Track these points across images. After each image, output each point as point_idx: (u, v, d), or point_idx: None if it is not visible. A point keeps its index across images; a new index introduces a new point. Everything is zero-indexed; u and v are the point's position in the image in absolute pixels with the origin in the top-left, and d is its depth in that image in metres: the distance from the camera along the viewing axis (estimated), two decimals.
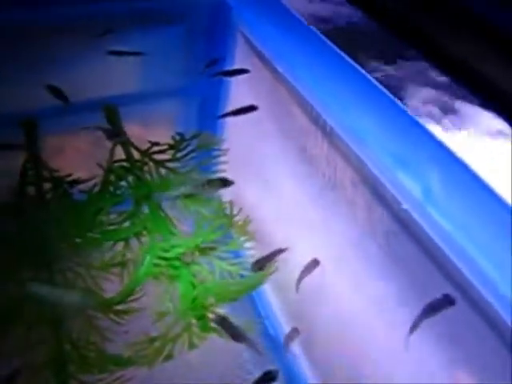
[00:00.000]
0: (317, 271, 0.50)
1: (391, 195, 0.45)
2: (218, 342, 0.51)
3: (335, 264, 0.50)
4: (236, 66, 0.63)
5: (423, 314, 0.39)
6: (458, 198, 0.41)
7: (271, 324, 0.64)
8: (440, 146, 0.43)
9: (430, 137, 0.43)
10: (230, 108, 0.62)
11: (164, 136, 0.66)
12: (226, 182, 0.52)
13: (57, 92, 0.57)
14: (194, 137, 0.58)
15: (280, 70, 0.57)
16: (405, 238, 0.45)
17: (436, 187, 0.41)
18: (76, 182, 0.56)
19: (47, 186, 0.58)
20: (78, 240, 0.53)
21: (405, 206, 0.44)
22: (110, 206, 0.54)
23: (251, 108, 0.58)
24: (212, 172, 0.59)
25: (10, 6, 0.58)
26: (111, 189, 0.55)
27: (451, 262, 0.40)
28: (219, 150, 0.59)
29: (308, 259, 0.51)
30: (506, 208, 0.39)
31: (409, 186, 0.42)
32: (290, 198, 0.57)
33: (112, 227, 0.54)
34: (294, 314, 0.60)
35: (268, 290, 0.63)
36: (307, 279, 0.52)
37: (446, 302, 0.39)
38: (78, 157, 0.70)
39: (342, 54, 0.54)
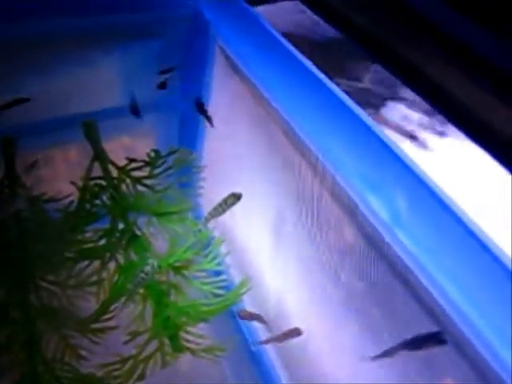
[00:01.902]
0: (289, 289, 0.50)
1: (362, 216, 0.45)
2: None
3: (304, 279, 0.50)
4: (214, 83, 0.63)
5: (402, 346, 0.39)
6: (424, 221, 0.41)
7: (251, 337, 0.64)
8: (408, 168, 0.43)
9: (399, 159, 0.43)
10: None
11: (143, 153, 0.66)
12: (238, 196, 0.52)
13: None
14: (170, 153, 0.58)
15: (259, 87, 0.57)
16: (374, 259, 0.45)
17: (403, 210, 0.41)
18: (52, 199, 0.56)
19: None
20: (53, 259, 0.53)
21: (376, 227, 0.44)
22: (85, 224, 0.54)
23: None
24: (190, 188, 0.59)
25: None
26: (87, 207, 0.55)
27: (421, 285, 0.41)
28: (196, 166, 0.59)
29: (279, 276, 0.51)
30: (470, 232, 0.39)
31: (377, 208, 0.42)
32: (263, 213, 0.57)
33: (88, 245, 0.54)
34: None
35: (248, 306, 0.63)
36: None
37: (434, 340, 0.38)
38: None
39: (319, 71, 0.54)
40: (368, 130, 0.46)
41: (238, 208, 0.57)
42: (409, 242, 0.41)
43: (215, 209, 0.48)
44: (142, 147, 0.70)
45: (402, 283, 0.43)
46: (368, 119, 0.48)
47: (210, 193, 0.61)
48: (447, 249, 0.40)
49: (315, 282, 0.50)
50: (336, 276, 0.47)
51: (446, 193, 0.42)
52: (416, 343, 0.38)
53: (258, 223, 0.58)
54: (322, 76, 0.54)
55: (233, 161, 0.64)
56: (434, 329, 0.40)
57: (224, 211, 0.49)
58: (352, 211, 0.45)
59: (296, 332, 0.51)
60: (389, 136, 0.46)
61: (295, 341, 0.51)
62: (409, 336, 0.42)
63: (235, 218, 0.56)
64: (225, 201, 0.49)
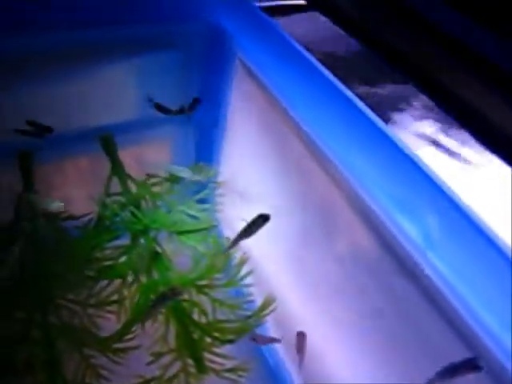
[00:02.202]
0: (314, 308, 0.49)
1: (392, 237, 0.44)
2: None
3: (328, 300, 0.49)
4: (235, 94, 0.62)
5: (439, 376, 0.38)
6: (456, 243, 0.40)
7: (272, 356, 0.63)
8: (440, 189, 0.42)
9: (431, 179, 0.42)
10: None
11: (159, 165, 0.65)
12: (266, 217, 0.50)
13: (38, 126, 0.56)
14: (190, 169, 0.57)
15: (279, 99, 0.56)
16: (404, 280, 0.44)
17: (435, 232, 0.40)
18: (71, 217, 0.55)
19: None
20: (73, 277, 0.52)
21: (407, 248, 0.43)
22: (105, 242, 0.53)
23: None
24: (208, 204, 0.58)
25: None
26: (107, 224, 0.55)
27: (454, 309, 0.40)
28: (215, 182, 0.58)
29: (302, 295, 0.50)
30: (505, 257, 0.38)
31: (408, 230, 0.41)
32: (285, 236, 0.56)
33: (108, 263, 0.53)
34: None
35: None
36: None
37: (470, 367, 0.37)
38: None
39: (342, 85, 0.53)
40: (395, 146, 0.45)
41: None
42: (441, 265, 0.41)
43: (244, 231, 0.47)
44: (155, 159, 0.69)
45: (432, 306, 0.42)
46: (394, 134, 0.47)
47: (228, 208, 0.60)
48: (480, 271, 0.39)
49: (340, 303, 0.49)
50: (363, 298, 0.46)
51: (479, 213, 0.42)
52: (452, 371, 0.37)
53: (279, 240, 0.57)
54: (346, 90, 0.53)
55: (251, 174, 0.63)
56: (466, 353, 0.39)
57: (252, 233, 0.48)
58: (381, 232, 0.45)
59: (302, 337, 0.49)
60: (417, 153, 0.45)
61: (318, 365, 0.50)
62: (439, 359, 0.42)
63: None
64: (253, 222, 0.48)
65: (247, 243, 0.55)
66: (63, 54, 0.59)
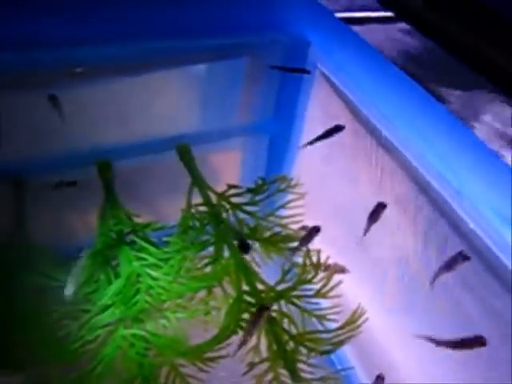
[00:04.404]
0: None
1: (490, 251, 0.44)
2: None
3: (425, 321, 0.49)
4: (312, 105, 0.63)
5: None
6: None
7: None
8: None
9: None
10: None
11: (233, 175, 0.66)
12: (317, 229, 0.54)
13: None
14: (274, 181, 0.58)
15: (361, 110, 0.56)
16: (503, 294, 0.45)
17: None
18: (162, 227, 0.56)
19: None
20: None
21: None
22: (195, 252, 0.53)
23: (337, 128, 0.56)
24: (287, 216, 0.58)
25: None
26: (192, 234, 0.55)
27: None
28: (296, 193, 0.58)
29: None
30: None
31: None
32: (378, 250, 0.56)
33: (195, 274, 0.54)
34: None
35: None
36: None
37: None
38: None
39: (428, 93, 0.52)
40: (495, 159, 0.45)
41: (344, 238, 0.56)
42: None
43: None
44: (225, 169, 0.69)
45: None
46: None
47: (308, 218, 0.60)
48: None
49: (434, 319, 0.49)
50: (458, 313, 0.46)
51: None
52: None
53: (369, 256, 0.57)
54: (433, 99, 0.52)
55: (326, 188, 0.63)
56: None
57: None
58: (481, 245, 0.45)
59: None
60: None
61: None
62: None
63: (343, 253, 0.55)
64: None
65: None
66: (138, 64, 0.60)
